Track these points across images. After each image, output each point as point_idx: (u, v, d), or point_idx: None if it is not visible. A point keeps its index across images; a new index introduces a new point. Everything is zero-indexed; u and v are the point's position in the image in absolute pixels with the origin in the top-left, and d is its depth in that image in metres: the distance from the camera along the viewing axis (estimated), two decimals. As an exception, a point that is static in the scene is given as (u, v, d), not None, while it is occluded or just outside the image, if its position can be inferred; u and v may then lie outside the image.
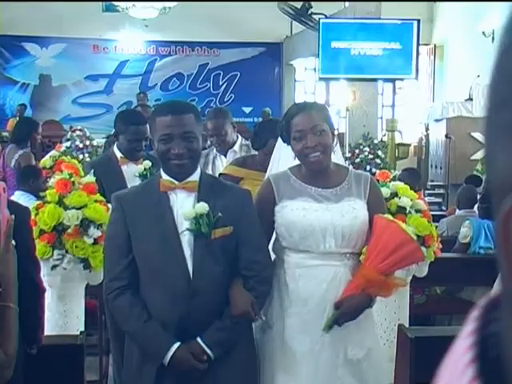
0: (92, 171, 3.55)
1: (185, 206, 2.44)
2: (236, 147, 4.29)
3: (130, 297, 2.42)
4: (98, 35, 13.73)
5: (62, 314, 3.42)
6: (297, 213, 2.59)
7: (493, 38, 10.78)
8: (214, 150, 4.31)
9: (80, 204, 3.32)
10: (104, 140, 8.46)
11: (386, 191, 3.51)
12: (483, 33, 10.88)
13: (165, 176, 2.48)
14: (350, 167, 2.92)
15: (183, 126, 2.39)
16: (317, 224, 2.57)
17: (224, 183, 2.66)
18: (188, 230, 2.41)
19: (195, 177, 2.48)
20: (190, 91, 14.58)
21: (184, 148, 2.40)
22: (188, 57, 14.62)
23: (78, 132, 8.31)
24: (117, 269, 2.44)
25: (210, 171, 4.10)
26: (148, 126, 3.34)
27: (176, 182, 2.46)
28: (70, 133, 8.47)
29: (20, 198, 4.43)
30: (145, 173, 3.87)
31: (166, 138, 2.39)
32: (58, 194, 3.35)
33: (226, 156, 4.25)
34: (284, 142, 2.70)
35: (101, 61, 14.28)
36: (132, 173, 3.93)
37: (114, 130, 4.40)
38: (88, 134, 8.32)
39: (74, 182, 3.43)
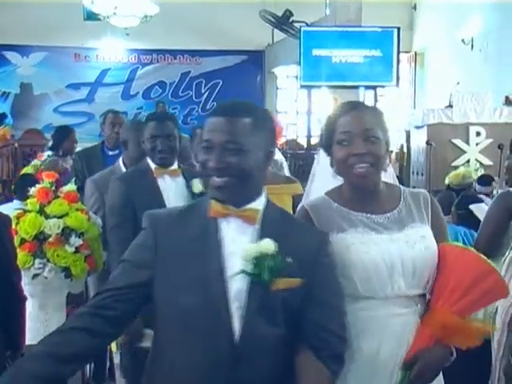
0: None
1: (238, 240, 1.86)
2: None
3: None
4: (80, 44, 13.68)
5: (44, 324, 3.41)
6: (354, 248, 2.05)
7: (472, 46, 10.89)
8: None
9: (61, 213, 3.32)
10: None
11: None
12: (463, 40, 10.99)
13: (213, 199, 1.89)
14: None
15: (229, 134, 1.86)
16: (381, 260, 2.04)
17: (296, 219, 2.09)
18: (244, 272, 1.81)
19: (258, 204, 1.90)
20: (172, 99, 14.56)
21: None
22: (170, 65, 14.61)
23: (59, 141, 8.25)
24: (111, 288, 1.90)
25: None
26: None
27: (230, 208, 1.86)
28: (51, 142, 8.43)
29: (18, 207, 4.39)
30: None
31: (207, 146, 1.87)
32: (39, 202, 3.34)
33: None
34: (325, 151, 2.18)
35: (82, 69, 14.23)
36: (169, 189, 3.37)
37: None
38: (70, 142, 8.26)
39: (55, 191, 3.43)
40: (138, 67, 14.55)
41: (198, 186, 3.28)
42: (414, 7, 13.24)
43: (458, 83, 10.46)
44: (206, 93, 14.77)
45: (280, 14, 11.46)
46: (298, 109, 14.28)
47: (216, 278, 1.83)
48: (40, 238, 3.28)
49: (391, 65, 9.86)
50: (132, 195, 3.20)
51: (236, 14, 12.64)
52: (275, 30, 12.36)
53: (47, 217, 3.30)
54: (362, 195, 2.13)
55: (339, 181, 2.18)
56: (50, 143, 7.02)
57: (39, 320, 3.40)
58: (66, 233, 3.28)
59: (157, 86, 14.63)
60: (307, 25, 10.67)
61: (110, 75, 14.42)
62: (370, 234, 2.08)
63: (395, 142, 12.42)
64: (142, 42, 13.70)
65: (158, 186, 3.28)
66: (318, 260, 1.89)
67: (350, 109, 2.12)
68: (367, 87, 10.68)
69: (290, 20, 11.35)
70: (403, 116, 12.28)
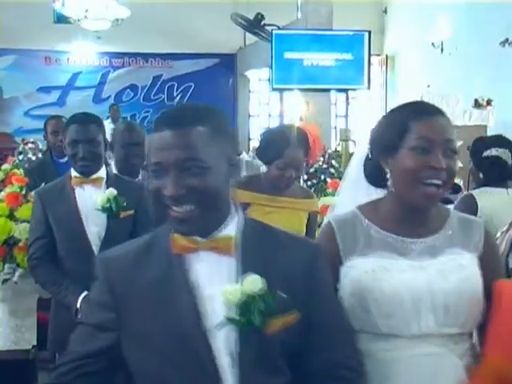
0: None
1: (215, 279, 1.51)
2: None
3: None
4: (50, 47, 13.58)
5: (14, 329, 3.38)
6: (375, 275, 1.71)
7: (442, 49, 11.00)
8: None
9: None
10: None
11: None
12: (432, 44, 11.10)
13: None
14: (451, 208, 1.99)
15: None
16: (407, 292, 1.70)
17: (280, 234, 1.64)
18: (230, 322, 1.46)
19: (231, 228, 1.54)
20: (144, 103, 14.53)
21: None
22: (142, 68, 14.56)
23: (30, 145, 8.21)
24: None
25: None
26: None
27: (198, 240, 1.51)
28: (22, 145, 8.36)
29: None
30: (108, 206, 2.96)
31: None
32: (9, 207, 3.31)
33: None
34: (380, 154, 1.80)
35: (53, 73, 14.13)
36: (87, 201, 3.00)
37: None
38: (41, 146, 8.22)
39: (25, 195, 3.40)
40: (109, 70, 14.49)
41: (103, 199, 2.91)
42: (385, 11, 13.34)
43: (429, 86, 10.58)
44: (179, 96, 14.74)
45: (252, 17, 11.48)
46: (271, 112, 14.31)
47: (194, 330, 1.48)
48: (10, 242, 3.26)
49: (362, 68, 9.93)
50: (46, 209, 2.93)
51: (208, 17, 12.62)
52: (247, 33, 12.38)
53: (17, 221, 3.28)
54: (408, 215, 1.78)
55: (372, 193, 1.89)
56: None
57: (9, 325, 3.38)
58: (35, 237, 3.25)
59: (128, 90, 14.58)
60: (279, 28, 10.71)
61: (82, 78, 14.34)
62: (397, 259, 1.74)
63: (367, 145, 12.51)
64: (114, 46, 13.64)
65: (75, 197, 2.94)
66: (312, 279, 1.55)
67: (432, 112, 1.76)
68: (339, 90, 10.75)
69: (262, 23, 11.37)
70: (375, 119, 12.38)
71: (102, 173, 3.01)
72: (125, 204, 2.93)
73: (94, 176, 2.97)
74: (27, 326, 3.43)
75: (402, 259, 1.74)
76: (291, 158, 2.99)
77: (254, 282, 1.46)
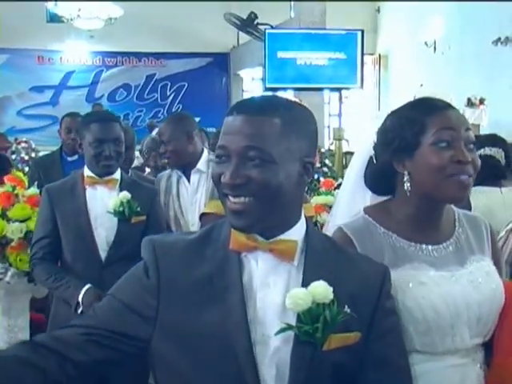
0: None
1: (271, 284, 1.39)
2: (201, 165, 3.29)
3: None
4: (43, 46, 13.56)
5: (7, 329, 3.37)
6: (411, 291, 1.57)
7: (434, 48, 11.03)
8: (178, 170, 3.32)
9: (23, 217, 3.27)
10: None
11: (330, 199, 3.56)
12: (425, 43, 11.13)
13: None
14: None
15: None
16: (445, 307, 1.58)
17: (346, 249, 1.51)
18: (290, 329, 1.32)
19: (295, 233, 1.41)
20: (138, 102, 14.51)
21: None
22: (135, 67, 14.55)
23: (23, 144, 8.20)
24: None
25: (174, 202, 3.27)
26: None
27: (259, 239, 1.39)
28: (14, 145, 8.34)
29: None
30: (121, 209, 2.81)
31: None
32: (1, 206, 3.30)
33: (188, 179, 3.29)
34: (396, 156, 1.65)
35: (46, 72, 14.11)
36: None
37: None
38: (34, 145, 8.21)
39: (17, 195, 3.39)
40: (102, 70, 14.48)
41: (116, 202, 2.78)
42: (378, 10, 13.37)
43: (422, 85, 10.60)
44: (172, 95, 14.73)
45: (245, 16, 11.48)
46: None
47: (238, 334, 1.34)
48: (2, 242, 3.24)
49: (355, 67, 9.93)
50: (54, 207, 2.81)
51: (201, 16, 12.62)
52: (240, 32, 12.38)
53: (9, 221, 3.26)
54: (425, 218, 1.66)
55: (366, 198, 1.78)
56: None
57: (2, 325, 3.36)
58: (28, 237, 3.24)
59: (122, 89, 14.57)
60: (272, 27, 10.71)
61: (75, 78, 14.32)
62: (429, 270, 1.60)
63: (360, 143, 12.54)
64: (107, 45, 13.62)
65: (86, 198, 2.81)
66: (379, 304, 1.41)
67: (444, 106, 1.65)
68: (332, 89, 10.75)
69: (255, 22, 11.37)
70: (368, 118, 12.40)
71: (116, 175, 2.86)
72: (138, 209, 2.79)
73: (109, 177, 2.83)
74: (20, 326, 3.42)
75: (433, 270, 1.60)
76: None
77: (323, 289, 1.32)
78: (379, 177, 1.73)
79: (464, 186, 1.59)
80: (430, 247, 1.64)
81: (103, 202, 2.80)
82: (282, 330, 1.31)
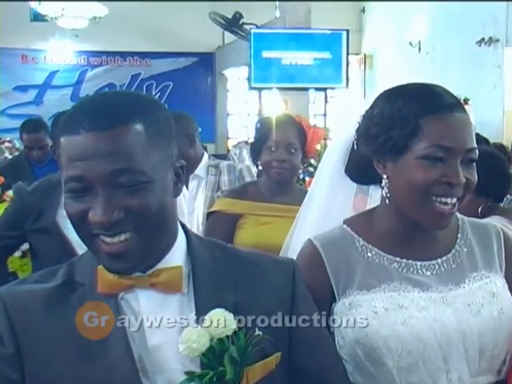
0: None
1: (161, 323, 1.14)
2: (200, 170, 3.13)
3: None
4: (27, 45, 13.47)
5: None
6: (387, 317, 1.31)
7: (419, 48, 11.07)
8: None
9: (7, 217, 3.25)
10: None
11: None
12: (410, 43, 11.17)
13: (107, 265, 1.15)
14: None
15: None
16: (431, 336, 1.30)
17: (240, 251, 1.27)
18: (194, 377, 1.09)
19: (177, 254, 1.18)
20: (123, 101, 14.47)
21: None
22: (120, 67, 14.49)
23: (6, 144, 8.16)
24: None
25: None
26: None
27: (134, 276, 1.14)
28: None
29: None
30: None
31: None
32: (-16, 206, 3.28)
33: (187, 185, 3.04)
34: (378, 153, 1.38)
35: (30, 71, 14.02)
36: None
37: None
38: (17, 145, 8.16)
39: (1, 195, 3.37)
40: (87, 69, 14.41)
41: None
42: (363, 10, 13.39)
43: (406, 85, 10.60)
44: (157, 95, 14.67)
45: (230, 16, 11.46)
46: (249, 111, 14.30)
47: None
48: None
49: (341, 67, 9.95)
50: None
51: (186, 16, 12.59)
52: (225, 32, 12.36)
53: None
54: (412, 231, 1.38)
55: (351, 195, 1.53)
56: None
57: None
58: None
59: (107, 89, 14.45)
60: (257, 27, 10.71)
61: (59, 77, 14.24)
62: (412, 292, 1.34)
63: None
64: (92, 44, 13.55)
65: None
66: (294, 311, 1.20)
67: (449, 107, 1.34)
68: (317, 89, 10.76)
69: (240, 22, 11.36)
70: (353, 117, 12.43)
71: None
72: None
73: None
74: None
75: (418, 291, 1.34)
76: (280, 136, 2.65)
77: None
78: (359, 167, 1.47)
79: (446, 214, 1.32)
80: (418, 264, 1.37)
81: None
82: (186, 382, 1.08)
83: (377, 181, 1.43)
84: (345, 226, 1.43)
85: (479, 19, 9.33)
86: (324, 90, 10.76)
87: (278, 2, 10.64)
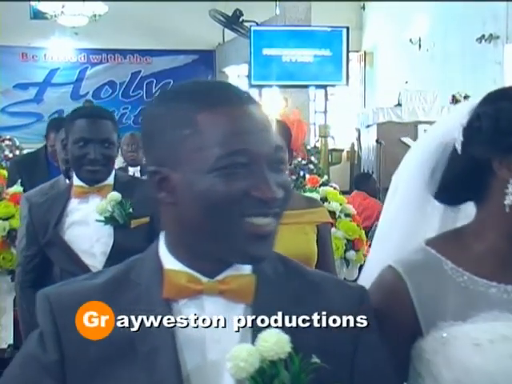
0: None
1: (223, 335, 1.02)
2: None
3: None
4: (27, 43, 13.47)
5: (-10, 328, 3.35)
6: (491, 350, 1.15)
7: (419, 46, 11.07)
8: None
9: (7, 215, 3.26)
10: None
11: (315, 196, 3.57)
12: (410, 40, 11.17)
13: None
14: None
15: None
16: None
17: (309, 272, 1.15)
18: None
19: (245, 266, 1.06)
20: (123, 99, 14.44)
21: None
22: (120, 65, 14.49)
23: (6, 142, 8.14)
24: None
25: None
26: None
27: (203, 279, 1.04)
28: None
29: None
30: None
31: None
32: (-16, 204, 3.28)
33: None
34: (503, 153, 1.18)
35: (30, 69, 14.02)
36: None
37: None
38: (18, 143, 8.16)
39: (0, 193, 3.37)
40: (87, 67, 14.40)
41: (101, 207, 2.33)
42: (363, 7, 13.38)
43: (407, 82, 10.63)
44: (157, 93, 14.68)
45: (230, 13, 11.46)
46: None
47: None
48: (-15, 240, 3.23)
49: (341, 64, 9.94)
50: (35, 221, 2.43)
51: (186, 13, 12.59)
52: (225, 29, 12.36)
53: (-8, 219, 3.25)
54: (504, 250, 1.21)
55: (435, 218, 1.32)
56: None
57: (-15, 324, 3.34)
58: (11, 235, 3.23)
59: (107, 86, 14.50)
60: (257, 24, 10.70)
61: (59, 75, 14.23)
62: None
63: (346, 140, 12.57)
64: (92, 42, 13.55)
65: (68, 212, 2.37)
66: (358, 337, 1.06)
67: None
68: (317, 86, 10.75)
69: (240, 19, 11.36)
70: (354, 115, 12.42)
71: (110, 179, 2.42)
72: (130, 210, 2.33)
73: (101, 184, 2.38)
74: (3, 324, 3.40)
75: None
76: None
77: (276, 342, 0.96)
78: (462, 178, 1.24)
79: None
80: None
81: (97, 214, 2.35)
82: None
83: (472, 197, 1.25)
84: (428, 247, 1.24)
85: (479, 16, 9.32)
86: (324, 87, 10.75)
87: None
